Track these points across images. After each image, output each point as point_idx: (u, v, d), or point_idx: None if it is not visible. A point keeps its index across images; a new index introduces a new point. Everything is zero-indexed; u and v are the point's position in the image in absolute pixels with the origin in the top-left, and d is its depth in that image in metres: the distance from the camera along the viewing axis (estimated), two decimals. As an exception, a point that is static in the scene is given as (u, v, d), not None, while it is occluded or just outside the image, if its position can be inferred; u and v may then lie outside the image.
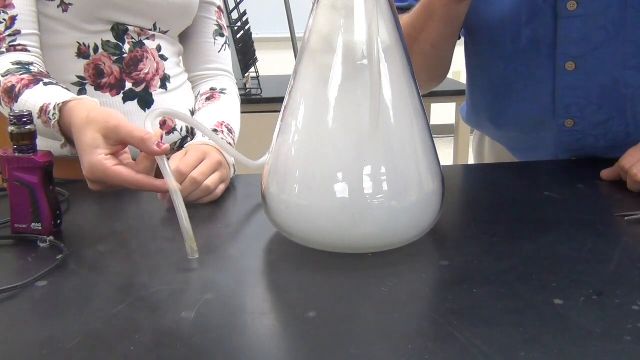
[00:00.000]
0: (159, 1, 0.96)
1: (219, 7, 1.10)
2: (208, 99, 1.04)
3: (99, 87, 0.94)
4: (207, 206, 0.79)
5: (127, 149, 0.71)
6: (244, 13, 2.14)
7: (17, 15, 0.88)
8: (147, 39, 0.98)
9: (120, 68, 0.95)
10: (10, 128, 0.66)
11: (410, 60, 0.64)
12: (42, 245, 0.66)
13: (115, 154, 0.69)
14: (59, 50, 0.93)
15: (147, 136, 0.66)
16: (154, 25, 0.98)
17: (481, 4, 0.92)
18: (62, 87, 0.83)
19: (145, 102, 0.97)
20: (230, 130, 0.96)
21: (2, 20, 0.87)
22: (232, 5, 2.11)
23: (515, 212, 0.76)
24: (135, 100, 0.96)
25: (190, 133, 1.04)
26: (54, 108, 0.76)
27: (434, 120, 2.72)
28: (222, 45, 1.10)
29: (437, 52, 0.94)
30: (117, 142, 0.69)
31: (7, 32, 0.87)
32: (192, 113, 1.04)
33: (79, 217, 0.77)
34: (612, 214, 0.75)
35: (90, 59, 0.93)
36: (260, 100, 2.20)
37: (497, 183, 0.90)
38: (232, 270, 0.62)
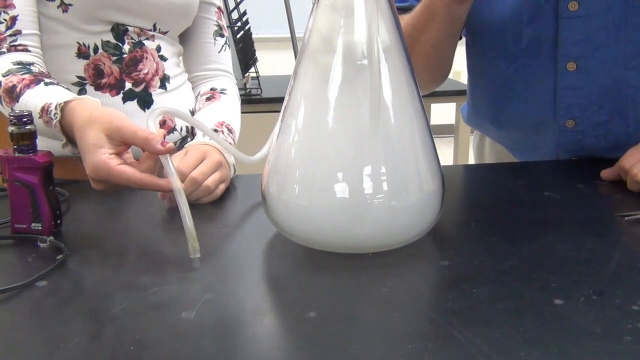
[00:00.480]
0: (159, 2, 0.96)
1: (218, 8, 1.10)
2: (208, 99, 1.04)
3: (98, 87, 0.94)
4: (207, 206, 0.79)
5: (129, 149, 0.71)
6: (244, 13, 2.14)
7: (17, 16, 0.88)
8: (147, 39, 0.98)
9: (120, 68, 0.95)
10: (10, 128, 0.66)
11: (410, 61, 0.64)
12: (42, 245, 0.66)
13: (118, 154, 0.69)
14: (59, 51, 0.93)
15: (151, 136, 0.66)
16: (154, 25, 0.98)
17: (482, 4, 0.92)
18: (63, 87, 0.83)
19: (145, 102, 0.98)
20: (230, 130, 0.96)
21: (2, 21, 0.87)
22: (232, 5, 2.11)
23: (515, 212, 0.76)
24: (135, 100, 0.97)
25: (190, 133, 1.04)
26: (56, 108, 0.76)
27: (434, 120, 2.71)
28: (222, 46, 1.10)
29: (438, 53, 0.94)
30: (121, 142, 0.69)
31: (8, 32, 0.87)
32: (192, 113, 1.04)
33: (79, 217, 0.77)
34: (612, 214, 0.75)
35: (90, 59, 0.93)
36: (260, 100, 2.20)
37: (497, 183, 0.90)
38: (232, 270, 0.62)
